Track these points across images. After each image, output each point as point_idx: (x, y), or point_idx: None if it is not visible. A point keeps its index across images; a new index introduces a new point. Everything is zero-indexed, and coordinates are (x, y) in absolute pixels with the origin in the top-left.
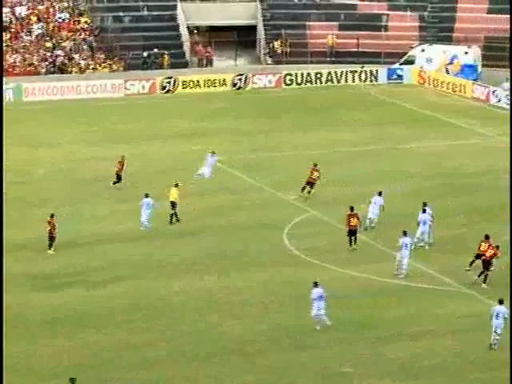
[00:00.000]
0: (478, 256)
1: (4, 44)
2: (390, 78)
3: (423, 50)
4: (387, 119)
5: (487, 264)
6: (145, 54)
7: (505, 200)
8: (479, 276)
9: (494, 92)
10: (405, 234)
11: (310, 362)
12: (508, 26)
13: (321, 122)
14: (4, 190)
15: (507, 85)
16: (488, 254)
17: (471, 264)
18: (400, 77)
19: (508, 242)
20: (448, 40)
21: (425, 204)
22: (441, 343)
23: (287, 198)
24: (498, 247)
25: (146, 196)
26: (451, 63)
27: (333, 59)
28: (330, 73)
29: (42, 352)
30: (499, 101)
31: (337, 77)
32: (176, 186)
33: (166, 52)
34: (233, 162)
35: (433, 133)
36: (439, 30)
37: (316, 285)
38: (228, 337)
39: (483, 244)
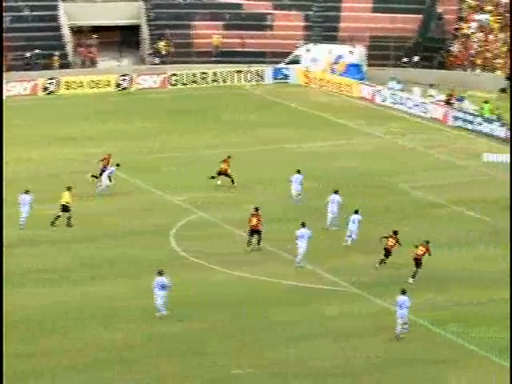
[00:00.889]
0: (386, 251)
1: None
2: (275, 78)
3: (308, 50)
4: (274, 119)
5: (419, 262)
6: (27, 54)
7: (392, 200)
8: (413, 277)
9: (379, 91)
10: (303, 225)
11: (200, 368)
12: (391, 25)
13: (207, 123)
14: None
15: (392, 84)
16: (420, 252)
17: (381, 263)
18: (286, 77)
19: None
20: (333, 39)
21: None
22: (327, 345)
23: (175, 199)
24: (427, 243)
25: (26, 192)
26: (336, 63)
27: (218, 59)
28: (215, 73)
29: None
30: (384, 100)
31: (223, 77)
32: (68, 189)
33: (55, 52)
34: (120, 164)
35: (320, 133)
36: (324, 30)
37: (160, 274)
38: (109, 344)
39: (391, 239)
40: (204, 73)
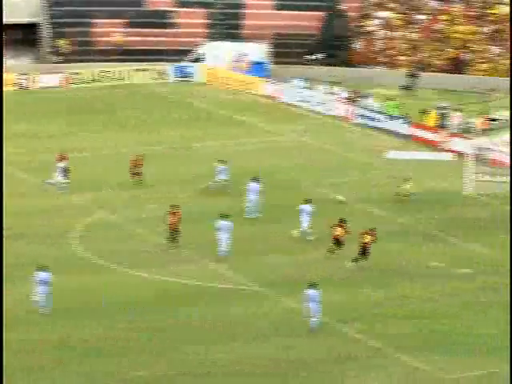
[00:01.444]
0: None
1: None
2: (179, 76)
3: (212, 48)
4: (178, 118)
5: (365, 249)
6: None
7: (296, 199)
8: (355, 261)
9: (283, 89)
10: (223, 217)
11: (105, 370)
12: (294, 23)
13: (108, 123)
14: None
15: (296, 82)
16: (367, 240)
17: (331, 251)
18: (189, 75)
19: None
20: (236, 37)
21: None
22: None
23: (79, 200)
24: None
25: None
26: (240, 61)
27: (120, 57)
28: (117, 71)
29: None
30: (289, 98)
31: (125, 75)
32: None
33: None
34: (22, 164)
35: (225, 131)
36: (227, 27)
37: (41, 269)
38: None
39: (338, 229)
40: (106, 71)
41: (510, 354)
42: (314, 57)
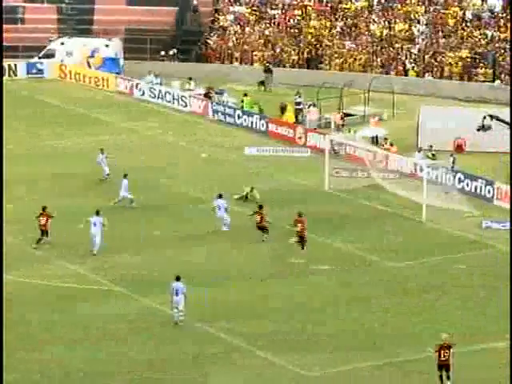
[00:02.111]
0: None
1: None
2: (29, 73)
3: (63, 43)
4: (32, 117)
5: (303, 237)
6: None
7: (153, 197)
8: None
9: (137, 85)
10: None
11: None
12: (147, 18)
13: None
14: None
15: (150, 77)
16: (299, 229)
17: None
18: (40, 71)
19: None
20: (87, 33)
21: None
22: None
23: None
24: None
25: None
26: (92, 56)
27: None
28: None
29: None
30: (143, 94)
31: None
32: None
33: None
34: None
35: (78, 129)
36: (78, 23)
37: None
38: None
39: (257, 216)
40: None
41: (510, 353)
42: (171, 52)
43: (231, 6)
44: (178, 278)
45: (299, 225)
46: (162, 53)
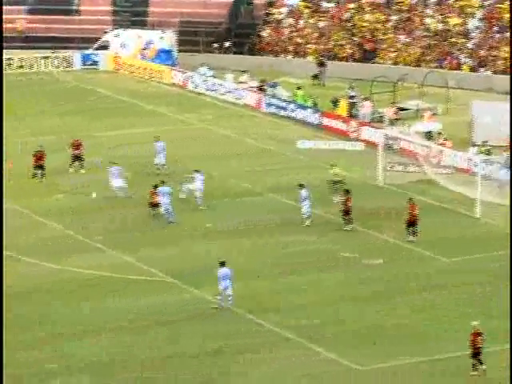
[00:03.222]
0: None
1: None
2: (84, 64)
3: (117, 35)
4: (83, 107)
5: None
6: None
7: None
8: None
9: (191, 77)
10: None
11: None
12: (201, 10)
13: (9, 111)
14: None
15: (203, 70)
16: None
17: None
18: (95, 62)
19: None
20: (142, 24)
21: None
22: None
23: None
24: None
25: None
26: (147, 48)
27: (23, 44)
28: (21, 59)
29: None
30: (196, 87)
31: (29, 63)
32: None
33: None
34: None
35: (132, 120)
36: (132, 15)
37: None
38: None
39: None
40: (9, 58)
41: (510, 353)
42: (226, 44)
43: None
44: (222, 263)
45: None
46: (216, 45)
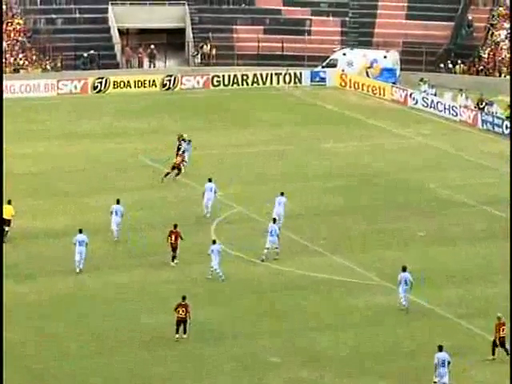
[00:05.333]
0: None
1: None
2: (313, 81)
3: (345, 54)
4: (310, 120)
5: None
6: (85, 54)
7: (420, 198)
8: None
9: (411, 94)
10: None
11: (232, 352)
12: (423, 32)
13: (245, 122)
14: None
15: (424, 87)
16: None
17: None
18: (323, 79)
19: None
20: (368, 44)
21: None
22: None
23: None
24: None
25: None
26: (371, 67)
27: (259, 62)
28: (255, 75)
29: None
30: (416, 103)
31: (262, 79)
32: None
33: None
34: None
35: (354, 133)
36: (360, 35)
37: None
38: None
39: None
40: (245, 74)
41: (511, 352)
42: (449, 64)
43: (505, 21)
44: (404, 269)
45: None
46: (442, 65)
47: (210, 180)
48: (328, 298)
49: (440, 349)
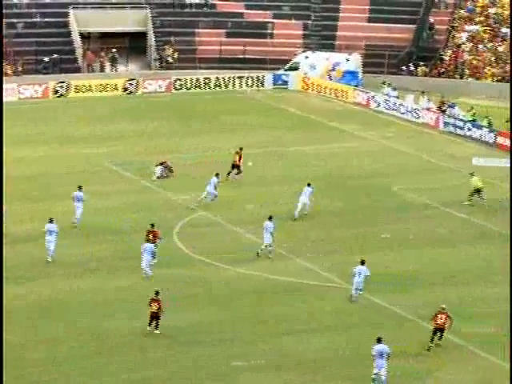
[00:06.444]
0: None
1: None
2: (275, 84)
3: (307, 57)
4: (273, 124)
5: None
6: (46, 59)
7: (383, 201)
8: None
9: (373, 97)
10: (270, 218)
11: (201, 359)
12: (386, 35)
13: (208, 126)
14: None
15: (387, 90)
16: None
17: None
18: (285, 82)
19: None
20: (330, 47)
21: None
22: (332, 337)
23: (180, 199)
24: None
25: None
26: (333, 70)
27: (220, 65)
28: (217, 78)
29: None
30: (378, 105)
31: (224, 82)
32: None
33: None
34: (124, 164)
35: (317, 136)
36: (322, 38)
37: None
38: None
39: None
40: (207, 78)
41: (510, 352)
42: (411, 67)
43: (466, 24)
44: (362, 263)
45: None
46: (404, 68)
47: None
48: (301, 300)
49: (378, 340)
